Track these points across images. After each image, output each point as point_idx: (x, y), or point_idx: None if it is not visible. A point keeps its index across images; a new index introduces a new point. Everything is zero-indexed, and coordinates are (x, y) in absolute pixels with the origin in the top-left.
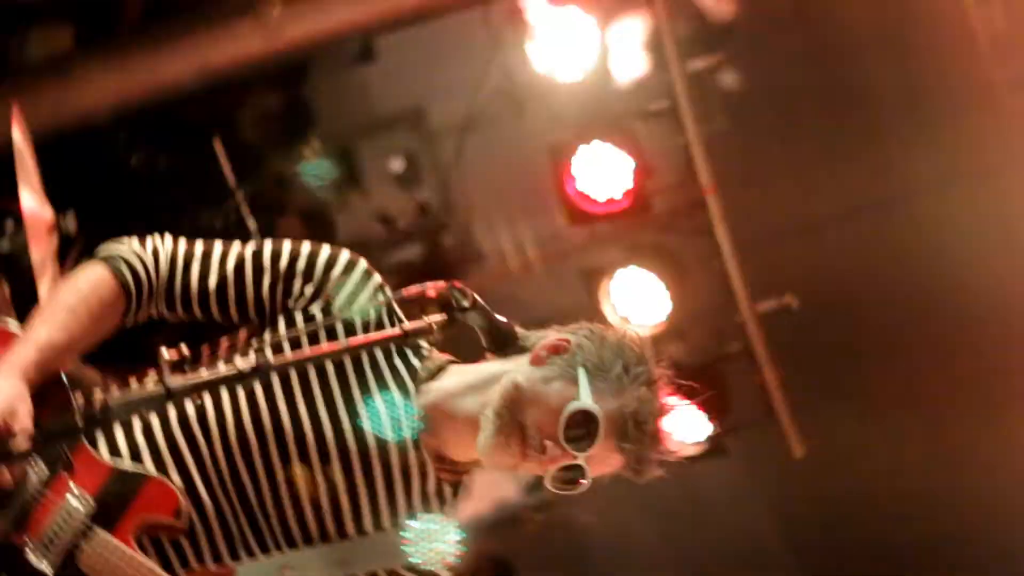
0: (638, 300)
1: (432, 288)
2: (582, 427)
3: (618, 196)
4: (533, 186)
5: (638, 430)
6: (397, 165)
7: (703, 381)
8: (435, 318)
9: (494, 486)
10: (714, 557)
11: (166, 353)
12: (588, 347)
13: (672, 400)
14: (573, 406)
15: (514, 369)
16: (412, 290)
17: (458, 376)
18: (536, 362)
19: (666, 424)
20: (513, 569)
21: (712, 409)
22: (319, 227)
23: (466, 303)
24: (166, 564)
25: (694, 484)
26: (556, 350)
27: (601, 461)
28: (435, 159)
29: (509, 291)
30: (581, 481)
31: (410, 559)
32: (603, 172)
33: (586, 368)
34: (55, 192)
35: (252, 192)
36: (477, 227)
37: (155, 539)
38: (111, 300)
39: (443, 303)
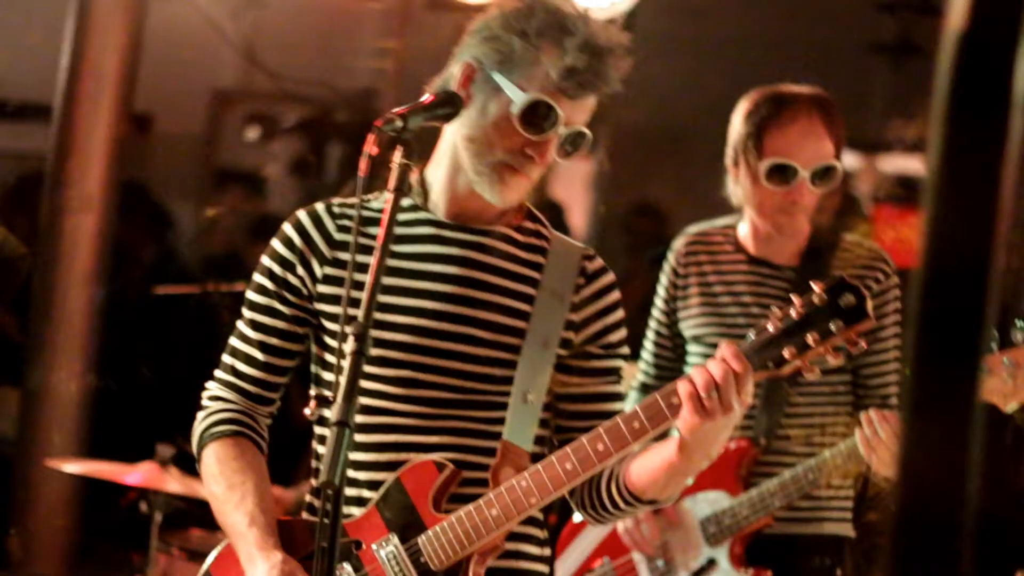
0: None
1: (370, 144)
2: (539, 117)
3: None
4: None
5: (592, 63)
6: None
7: None
8: (397, 160)
9: None
10: None
11: (311, 406)
12: (489, 49)
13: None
14: (515, 114)
15: (458, 126)
16: (362, 168)
17: (437, 168)
18: (466, 103)
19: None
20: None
21: None
22: None
23: (399, 123)
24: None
25: None
26: (467, 79)
27: (580, 107)
28: None
29: None
30: (584, 135)
31: None
32: None
33: (499, 69)
34: None
35: None
36: None
37: (455, 497)
38: (246, 452)
39: (386, 142)
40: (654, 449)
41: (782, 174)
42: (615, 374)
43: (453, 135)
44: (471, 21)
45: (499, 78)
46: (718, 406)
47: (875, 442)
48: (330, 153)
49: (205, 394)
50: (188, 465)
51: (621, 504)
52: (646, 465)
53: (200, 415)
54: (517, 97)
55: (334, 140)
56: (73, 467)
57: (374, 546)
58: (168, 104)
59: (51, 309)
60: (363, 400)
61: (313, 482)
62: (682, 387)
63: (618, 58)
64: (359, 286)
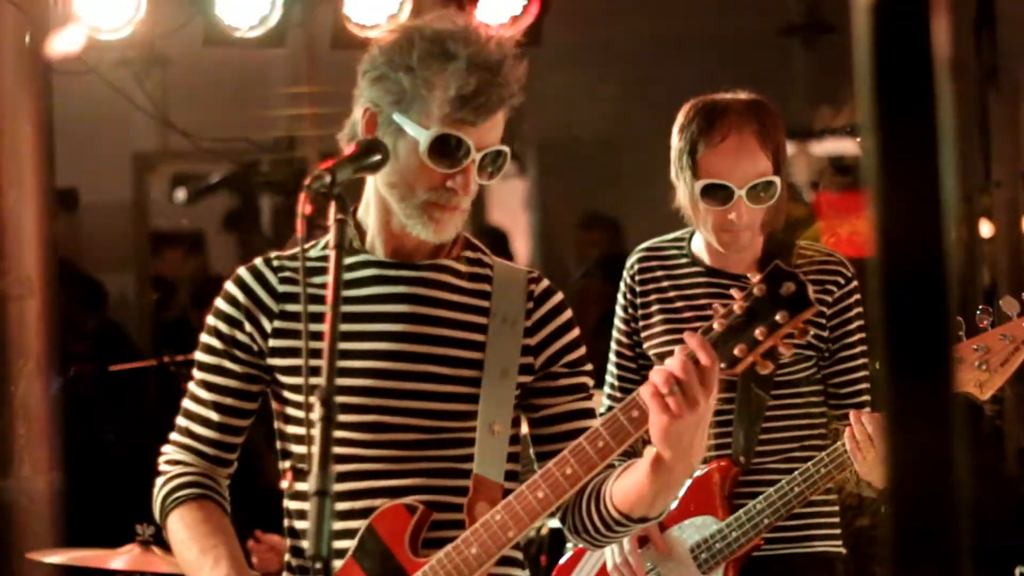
0: None
1: (303, 204)
2: (448, 151)
3: None
4: None
5: (483, 84)
6: None
7: None
8: (332, 216)
9: None
10: None
11: (287, 479)
12: (380, 91)
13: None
14: (423, 153)
15: (375, 176)
16: (298, 228)
17: (368, 212)
18: (371, 153)
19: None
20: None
21: None
22: None
23: (328, 179)
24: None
25: None
26: (371, 125)
27: (488, 128)
28: None
29: None
30: (502, 152)
31: None
32: None
33: (396, 110)
34: None
35: None
36: None
37: (431, 540)
38: (212, 514)
39: (318, 199)
40: (636, 465)
41: (718, 193)
42: (585, 390)
43: (375, 181)
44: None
45: (399, 119)
46: (683, 401)
47: (863, 443)
48: (261, 204)
49: (162, 459)
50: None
51: (612, 525)
52: (630, 482)
53: (159, 481)
54: (420, 136)
55: (263, 191)
56: (55, 557)
57: None
58: (90, 175)
59: (7, 401)
60: None
61: (293, 561)
62: (643, 390)
63: (512, 67)
64: (314, 336)
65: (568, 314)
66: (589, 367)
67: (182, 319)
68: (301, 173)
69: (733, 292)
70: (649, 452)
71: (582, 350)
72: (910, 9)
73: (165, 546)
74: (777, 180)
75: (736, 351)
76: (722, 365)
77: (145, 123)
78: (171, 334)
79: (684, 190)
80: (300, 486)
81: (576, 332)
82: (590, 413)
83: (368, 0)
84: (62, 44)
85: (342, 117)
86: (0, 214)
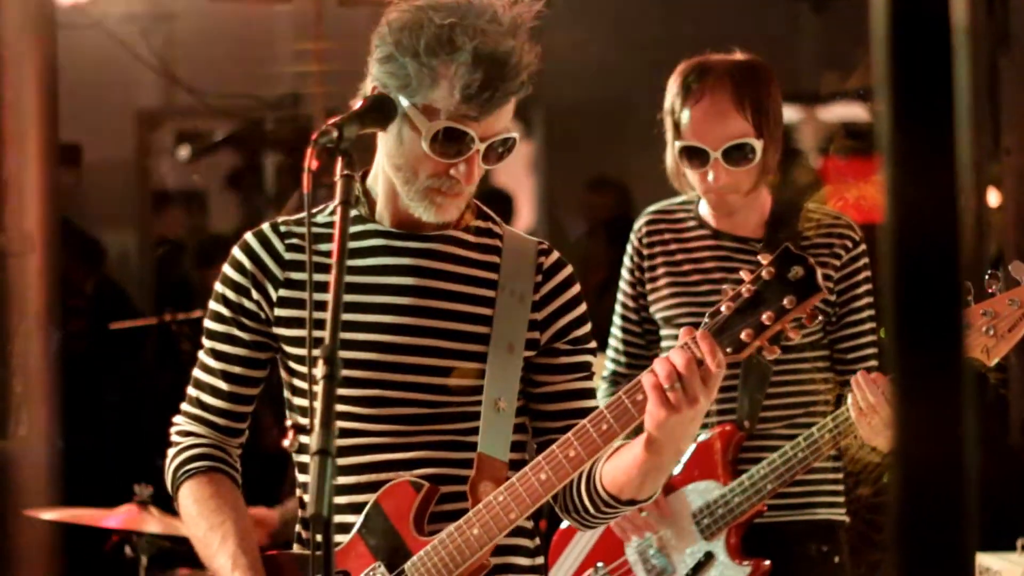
0: None
1: (310, 158)
2: (451, 143)
3: None
4: None
5: (489, 78)
6: None
7: None
8: (339, 172)
9: None
10: None
11: (288, 437)
12: (387, 73)
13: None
14: (425, 145)
15: (383, 152)
16: (304, 184)
17: (377, 182)
18: (379, 108)
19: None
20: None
21: None
22: None
23: (335, 134)
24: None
25: None
26: (379, 100)
27: (494, 119)
28: None
29: None
30: (510, 139)
31: None
32: None
33: (402, 94)
34: None
35: None
36: None
37: (436, 514)
38: (222, 488)
39: (325, 155)
40: (626, 447)
41: (695, 156)
42: (586, 369)
43: (382, 158)
44: (382, 17)
45: (404, 104)
46: (683, 398)
47: (867, 407)
48: (265, 163)
49: (173, 429)
50: (168, 504)
51: (602, 507)
52: (619, 465)
53: (171, 452)
54: (423, 127)
55: (267, 149)
56: (51, 514)
57: None
58: (93, 131)
59: (6, 358)
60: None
61: (300, 512)
62: (645, 379)
63: (521, 58)
64: (319, 306)
65: (576, 288)
66: (592, 344)
67: (183, 278)
68: (306, 131)
69: (742, 273)
70: (641, 435)
71: (587, 326)
72: None
73: (162, 506)
74: (755, 142)
75: (743, 335)
76: (728, 349)
77: (149, 79)
78: (172, 293)
79: (669, 152)
80: (303, 439)
81: (583, 307)
82: (590, 393)
83: None
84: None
85: (348, 74)
86: (1, 170)
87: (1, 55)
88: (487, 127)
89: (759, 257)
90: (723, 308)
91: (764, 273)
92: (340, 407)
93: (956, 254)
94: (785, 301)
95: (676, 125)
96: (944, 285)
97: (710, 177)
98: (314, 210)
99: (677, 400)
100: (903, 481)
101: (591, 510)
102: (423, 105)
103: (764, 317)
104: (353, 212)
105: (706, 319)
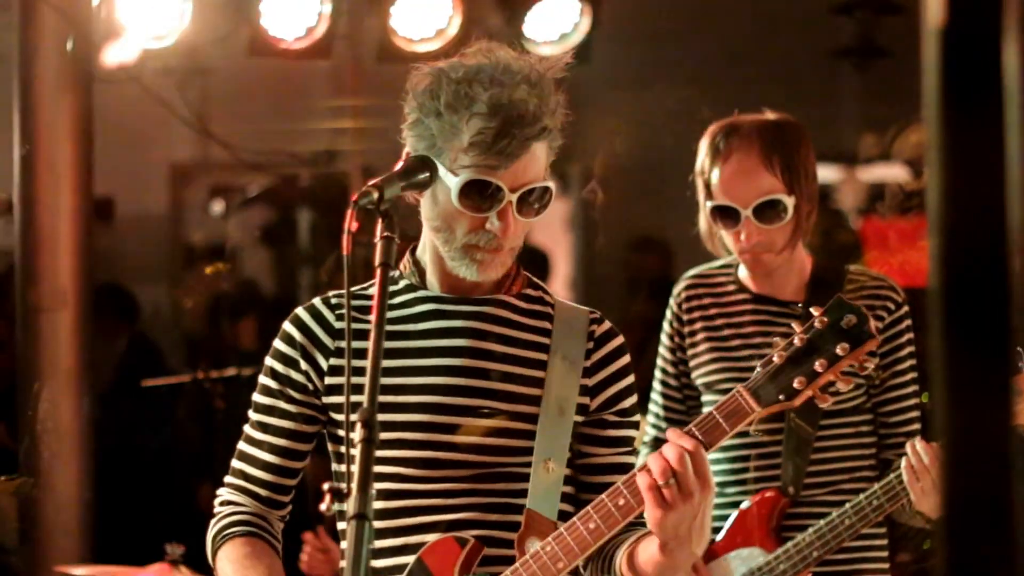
0: None
1: (350, 220)
2: (480, 196)
3: None
4: None
5: (507, 125)
6: None
7: None
8: (379, 234)
9: None
10: None
11: (325, 501)
12: (415, 137)
13: None
14: (454, 201)
15: (424, 217)
16: (345, 245)
17: (424, 250)
18: (419, 169)
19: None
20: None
21: None
22: None
23: (376, 195)
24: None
25: None
26: (419, 161)
27: (523, 166)
28: None
29: None
30: (547, 189)
31: None
32: None
33: (433, 155)
34: None
35: None
36: None
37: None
38: (259, 549)
39: (365, 216)
40: (648, 540)
41: (727, 216)
42: (629, 444)
43: (424, 225)
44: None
45: (443, 170)
46: (677, 494)
47: (920, 471)
48: (299, 219)
49: (216, 500)
50: (200, 564)
51: None
52: (641, 555)
53: (212, 522)
54: (451, 183)
55: (301, 205)
56: (82, 571)
57: None
58: (127, 185)
59: (39, 415)
60: (383, 485)
61: None
62: (640, 480)
63: (541, 103)
64: (362, 372)
65: (626, 359)
66: (637, 418)
67: (216, 335)
68: (341, 188)
69: (794, 325)
70: None
71: (634, 398)
72: (981, 32)
73: (193, 566)
74: (785, 198)
75: (795, 383)
76: (780, 397)
77: (184, 133)
78: (205, 350)
79: (702, 214)
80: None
81: (632, 379)
82: (631, 468)
83: (416, 13)
84: (113, 55)
85: (385, 132)
86: (35, 223)
87: (37, 107)
88: (514, 177)
89: (796, 302)
90: (775, 357)
91: (816, 323)
92: (389, 469)
93: (1008, 314)
94: (838, 349)
95: (707, 185)
96: (993, 344)
97: (743, 236)
98: (364, 284)
99: (672, 496)
100: (949, 546)
101: None
102: (449, 162)
103: (817, 364)
104: (403, 282)
105: (758, 368)
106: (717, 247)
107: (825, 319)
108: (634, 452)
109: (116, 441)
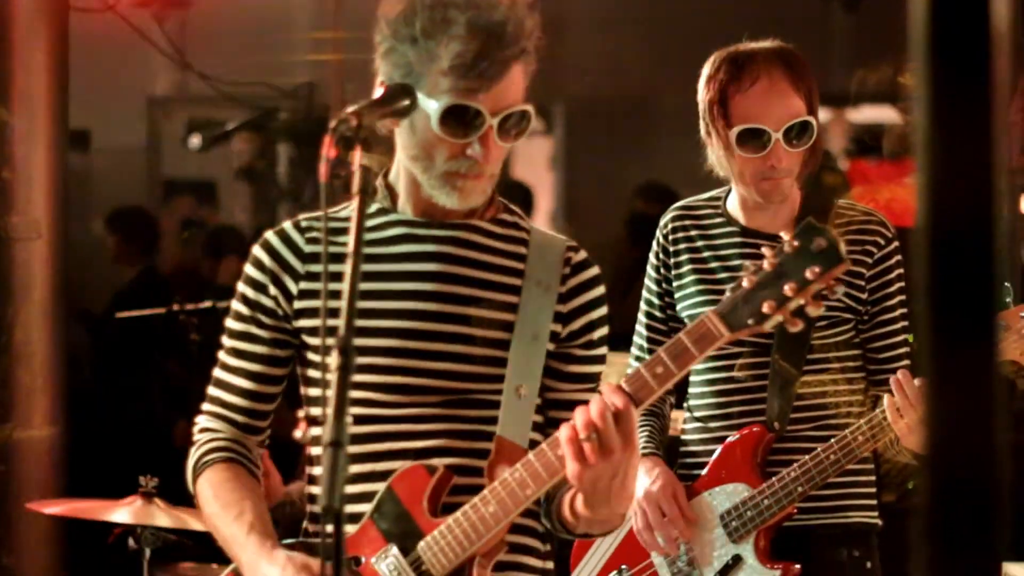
0: None
1: (328, 147)
2: (460, 120)
3: None
4: None
5: (486, 47)
6: None
7: None
8: (357, 162)
9: None
10: None
11: (300, 428)
12: (390, 65)
13: None
14: (435, 127)
15: (400, 146)
16: (322, 173)
17: (398, 177)
18: (399, 97)
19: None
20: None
21: None
22: None
23: (354, 122)
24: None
25: None
26: (400, 88)
27: (503, 90)
28: None
29: None
30: (525, 113)
31: None
32: None
33: (409, 83)
34: None
35: None
36: None
37: (453, 505)
38: (240, 475)
39: (344, 144)
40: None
41: (754, 139)
42: (595, 380)
43: (400, 154)
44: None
45: (422, 98)
46: (597, 450)
47: (904, 408)
48: (278, 153)
49: (195, 428)
50: (174, 496)
51: (562, 531)
52: (577, 502)
53: (192, 450)
54: (430, 108)
55: (281, 139)
56: (54, 508)
57: (373, 559)
58: (103, 117)
59: (11, 346)
60: (352, 410)
61: (310, 508)
62: (561, 432)
63: (518, 26)
64: (335, 296)
65: (601, 290)
66: (604, 351)
67: (192, 268)
68: (322, 121)
69: (764, 250)
70: None
71: (604, 329)
72: None
73: (168, 498)
74: (813, 121)
75: (765, 307)
76: (749, 321)
77: (162, 65)
78: (181, 283)
79: (717, 142)
80: (315, 431)
81: (604, 310)
82: None
83: None
84: None
85: (366, 65)
86: (11, 154)
87: (11, 38)
88: (495, 100)
89: (783, 234)
90: (744, 282)
91: (786, 247)
92: (359, 394)
93: (991, 253)
94: (808, 272)
95: (725, 112)
96: (979, 282)
97: (772, 161)
98: (337, 207)
99: (592, 452)
100: (933, 480)
101: (558, 527)
102: (428, 89)
103: (787, 288)
104: (375, 205)
105: (727, 292)
106: (736, 174)
107: (795, 243)
108: (596, 389)
109: (89, 373)
